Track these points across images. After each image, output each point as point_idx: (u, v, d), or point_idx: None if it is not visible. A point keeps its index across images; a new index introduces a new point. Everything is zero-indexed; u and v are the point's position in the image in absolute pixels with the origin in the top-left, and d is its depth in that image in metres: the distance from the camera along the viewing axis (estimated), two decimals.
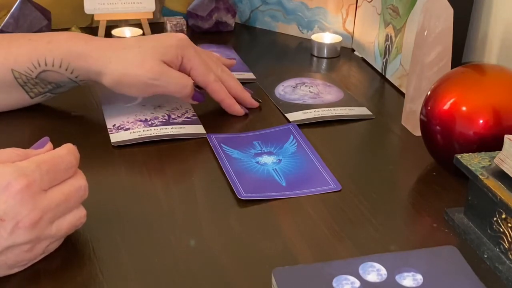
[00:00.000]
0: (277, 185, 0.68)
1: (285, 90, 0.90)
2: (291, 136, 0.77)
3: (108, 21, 1.06)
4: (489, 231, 0.58)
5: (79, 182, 0.55)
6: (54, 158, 0.53)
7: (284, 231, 0.61)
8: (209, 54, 0.84)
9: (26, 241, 0.50)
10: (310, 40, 1.06)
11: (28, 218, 0.49)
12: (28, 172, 0.50)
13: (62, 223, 0.54)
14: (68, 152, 0.55)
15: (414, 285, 0.50)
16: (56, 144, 0.74)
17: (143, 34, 1.06)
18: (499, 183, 0.56)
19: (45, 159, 0.53)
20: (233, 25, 1.14)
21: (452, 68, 0.73)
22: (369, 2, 1.00)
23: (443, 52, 0.75)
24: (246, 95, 0.84)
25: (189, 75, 0.78)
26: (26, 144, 0.73)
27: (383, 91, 0.93)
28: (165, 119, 0.79)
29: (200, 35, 1.11)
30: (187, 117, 0.81)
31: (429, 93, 0.69)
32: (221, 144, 0.75)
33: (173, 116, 0.80)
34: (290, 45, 1.09)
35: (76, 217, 0.55)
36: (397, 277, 0.50)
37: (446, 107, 0.66)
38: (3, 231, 0.49)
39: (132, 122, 0.78)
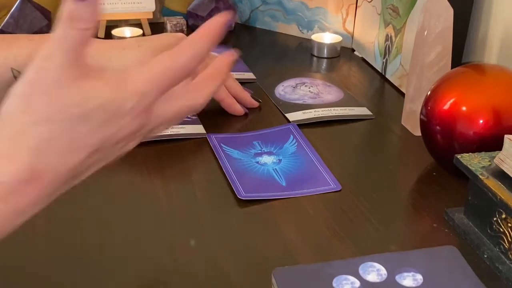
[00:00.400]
0: (277, 185, 0.68)
1: (285, 90, 0.90)
2: (291, 136, 0.77)
3: (108, 21, 1.06)
4: (489, 231, 0.58)
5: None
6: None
7: (284, 231, 0.61)
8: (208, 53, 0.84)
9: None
10: (310, 40, 1.06)
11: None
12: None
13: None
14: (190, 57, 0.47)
15: (414, 285, 0.50)
16: None
17: (143, 34, 1.06)
18: (499, 183, 0.56)
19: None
20: (233, 25, 1.14)
21: (452, 68, 0.73)
22: (369, 2, 1.00)
23: (443, 52, 0.75)
24: (245, 95, 0.84)
25: None
26: None
27: (383, 91, 0.93)
28: None
29: None
30: (187, 117, 0.81)
31: (429, 93, 0.69)
32: (221, 144, 0.75)
33: None
34: (290, 45, 1.09)
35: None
36: (397, 277, 0.50)
37: (446, 107, 0.66)
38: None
39: None
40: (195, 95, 0.50)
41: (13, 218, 0.41)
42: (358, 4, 1.03)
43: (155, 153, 0.73)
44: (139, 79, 0.46)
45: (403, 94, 0.84)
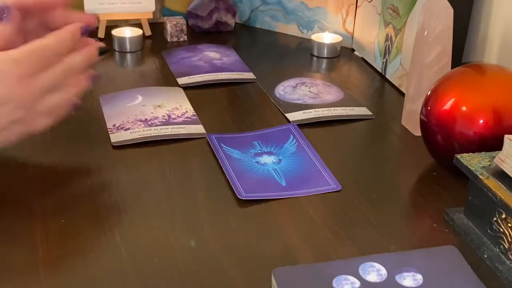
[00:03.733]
0: (277, 185, 0.68)
1: (285, 90, 0.90)
2: (291, 136, 0.77)
3: (108, 21, 1.06)
4: (489, 231, 0.58)
5: (71, 64, 0.64)
6: (42, 47, 0.61)
7: (284, 231, 0.61)
8: None
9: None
10: (310, 40, 1.06)
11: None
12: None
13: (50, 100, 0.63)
14: (56, 40, 0.62)
15: (414, 285, 0.50)
16: (56, 143, 0.74)
17: (143, 34, 1.06)
18: (499, 183, 0.56)
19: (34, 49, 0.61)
20: (233, 25, 1.14)
21: (452, 68, 0.73)
22: (369, 2, 1.00)
23: (443, 52, 0.75)
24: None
25: None
26: (26, 143, 0.73)
27: (383, 91, 0.93)
28: (165, 119, 0.79)
29: (200, 35, 1.11)
30: (187, 117, 0.81)
31: (429, 93, 0.69)
32: (221, 144, 0.75)
33: (173, 116, 0.80)
34: (290, 45, 1.09)
35: (66, 95, 0.64)
36: (397, 277, 0.50)
37: (446, 107, 0.66)
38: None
39: (132, 122, 0.78)
40: (72, 88, 0.64)
41: None
42: (358, 4, 1.03)
43: (155, 153, 0.73)
44: (14, 50, 0.60)
45: (403, 94, 0.84)
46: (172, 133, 0.77)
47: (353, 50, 1.06)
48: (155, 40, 1.08)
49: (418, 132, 0.74)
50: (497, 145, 0.59)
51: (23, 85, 0.60)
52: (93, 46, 0.67)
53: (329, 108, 0.84)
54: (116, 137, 0.75)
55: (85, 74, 0.66)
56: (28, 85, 0.60)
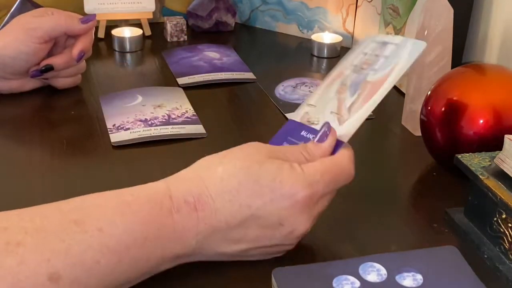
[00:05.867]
0: None
1: (285, 90, 0.90)
2: None
3: (108, 21, 1.06)
4: (489, 231, 0.58)
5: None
6: (337, 167, 0.54)
7: None
8: None
9: (291, 244, 0.54)
10: (310, 40, 1.05)
11: (302, 228, 0.53)
12: (313, 183, 0.52)
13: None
14: (349, 161, 0.55)
15: (414, 285, 0.50)
16: (57, 143, 0.74)
17: (143, 34, 1.06)
18: (499, 183, 0.56)
19: (329, 169, 0.53)
20: (233, 25, 1.14)
21: (452, 68, 0.73)
22: (369, 2, 1.00)
23: (443, 52, 0.75)
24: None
25: None
26: (26, 142, 0.73)
27: None
28: (165, 119, 0.79)
29: (200, 35, 1.11)
30: (187, 117, 0.81)
31: (429, 93, 0.69)
32: None
33: (173, 116, 0.80)
34: (290, 45, 1.09)
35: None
36: (397, 277, 0.50)
37: (446, 107, 0.66)
38: (279, 233, 0.52)
39: (132, 122, 0.78)
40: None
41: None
42: (358, 4, 1.03)
43: (155, 153, 0.73)
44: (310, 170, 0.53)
45: (403, 94, 0.84)
46: (172, 133, 0.77)
47: None
48: (155, 40, 1.08)
49: (418, 132, 0.74)
50: (497, 145, 0.59)
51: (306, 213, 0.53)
52: None
53: None
54: (116, 137, 0.75)
55: None
56: (311, 212, 0.53)
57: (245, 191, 0.50)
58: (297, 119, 0.62)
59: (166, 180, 0.53)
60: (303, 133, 0.60)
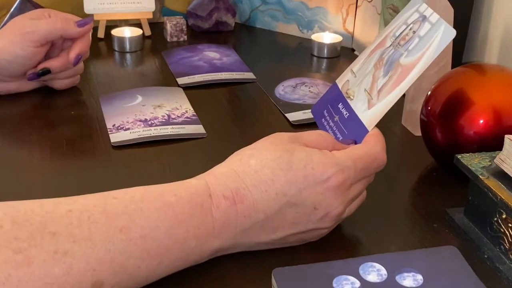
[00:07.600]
0: None
1: (285, 90, 0.90)
2: None
3: (108, 21, 1.06)
4: (489, 231, 0.58)
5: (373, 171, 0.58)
6: (369, 156, 0.56)
7: None
8: None
9: (326, 227, 0.56)
10: (310, 40, 1.05)
11: (336, 211, 0.54)
12: (345, 169, 0.54)
13: (350, 210, 0.58)
14: (382, 149, 0.57)
15: (414, 285, 0.49)
16: (56, 143, 0.74)
17: (143, 34, 1.06)
18: (500, 183, 0.56)
19: (361, 156, 0.56)
20: (233, 25, 1.14)
21: (452, 68, 0.73)
22: (369, 2, 1.00)
23: (443, 52, 0.75)
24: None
25: None
26: (26, 142, 0.73)
27: None
28: (165, 119, 0.79)
29: (200, 35, 1.11)
30: (187, 117, 0.81)
31: (429, 93, 0.69)
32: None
33: (173, 116, 0.80)
34: (290, 45, 1.09)
35: (358, 202, 0.59)
36: (397, 277, 0.50)
37: (446, 107, 0.66)
38: (314, 217, 0.54)
39: (132, 122, 0.78)
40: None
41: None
42: (358, 4, 1.03)
43: (155, 153, 0.73)
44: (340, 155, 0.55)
45: (403, 94, 0.84)
46: (172, 133, 0.76)
47: (353, 50, 1.06)
48: (155, 40, 1.08)
49: (418, 132, 0.74)
50: (497, 145, 0.59)
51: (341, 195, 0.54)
52: None
53: None
54: (116, 137, 0.75)
55: None
56: (344, 196, 0.55)
57: (279, 180, 0.52)
58: (340, 85, 0.65)
59: (203, 177, 0.54)
60: (340, 105, 0.62)
